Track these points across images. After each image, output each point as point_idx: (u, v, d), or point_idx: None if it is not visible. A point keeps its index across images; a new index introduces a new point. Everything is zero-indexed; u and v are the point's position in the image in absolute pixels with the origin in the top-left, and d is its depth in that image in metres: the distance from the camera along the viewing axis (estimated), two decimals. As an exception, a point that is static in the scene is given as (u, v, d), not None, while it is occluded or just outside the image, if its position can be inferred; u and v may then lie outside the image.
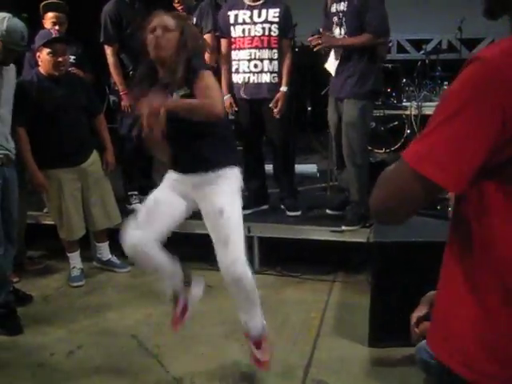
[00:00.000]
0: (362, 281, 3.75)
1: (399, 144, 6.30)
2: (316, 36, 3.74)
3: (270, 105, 3.96)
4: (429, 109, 5.28)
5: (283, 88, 3.98)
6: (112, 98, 4.57)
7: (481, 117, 0.99)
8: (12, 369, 2.99)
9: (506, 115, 0.98)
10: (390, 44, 7.24)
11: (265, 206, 4.37)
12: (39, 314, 3.61)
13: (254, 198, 4.26)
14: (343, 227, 3.91)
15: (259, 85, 3.99)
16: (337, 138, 3.99)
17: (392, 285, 2.94)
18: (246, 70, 3.99)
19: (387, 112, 5.81)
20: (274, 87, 3.99)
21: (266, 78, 3.98)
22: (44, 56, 3.65)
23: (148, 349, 3.15)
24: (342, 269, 4.11)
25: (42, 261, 4.44)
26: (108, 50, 4.33)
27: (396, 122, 6.28)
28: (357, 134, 3.78)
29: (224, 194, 2.62)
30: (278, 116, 3.97)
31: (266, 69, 3.96)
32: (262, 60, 3.95)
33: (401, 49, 8.29)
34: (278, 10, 3.90)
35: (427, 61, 6.43)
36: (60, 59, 3.66)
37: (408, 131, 6.01)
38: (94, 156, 4.02)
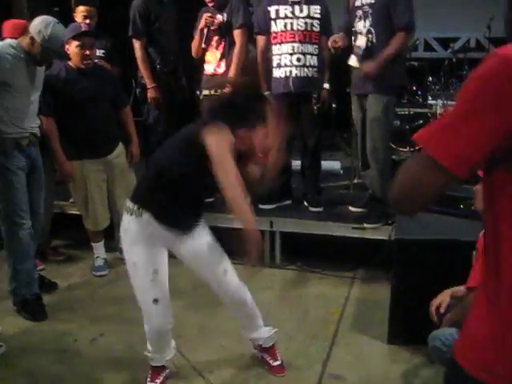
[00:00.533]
0: (382, 278, 3.75)
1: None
2: (361, 73, 3.73)
3: (315, 106, 4.01)
4: (455, 108, 5.22)
5: (327, 85, 4.06)
6: (138, 90, 4.63)
7: (493, 108, 1.01)
8: (37, 353, 3.07)
9: None
10: (417, 42, 7.16)
11: (288, 201, 4.40)
12: (63, 302, 3.70)
13: (278, 193, 4.29)
14: (365, 224, 3.91)
15: (302, 78, 4.01)
16: (362, 136, 3.99)
17: (412, 282, 2.94)
18: (289, 63, 4.00)
19: (412, 110, 5.77)
20: (315, 81, 4.04)
21: (308, 73, 4.01)
22: (72, 49, 3.71)
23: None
24: (363, 266, 4.12)
25: (64, 252, 4.51)
26: (136, 44, 4.38)
27: (421, 121, 6.21)
28: (380, 130, 3.78)
29: (204, 232, 2.60)
30: (319, 111, 4.05)
31: (308, 63, 4.00)
32: (304, 54, 3.98)
33: (428, 47, 8.19)
34: (318, 7, 3.96)
35: (454, 59, 6.36)
36: (87, 52, 3.72)
37: (433, 130, 5.96)
38: (120, 148, 4.08)
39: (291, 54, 3.99)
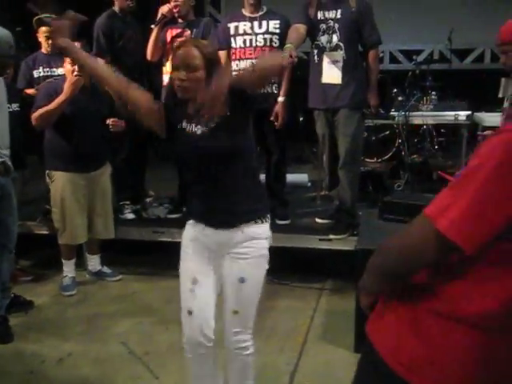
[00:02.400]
0: (350, 288, 3.78)
1: (390, 153, 6.36)
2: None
3: (271, 117, 4.00)
4: (416, 118, 5.32)
5: (281, 98, 4.02)
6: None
7: (506, 186, 1.03)
8: (2, 376, 3.03)
9: None
10: (382, 54, 7.30)
11: None
12: (31, 322, 3.66)
13: None
14: (331, 236, 3.96)
15: (261, 95, 4.00)
16: (331, 153, 4.01)
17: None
18: None
19: (378, 122, 5.86)
20: (275, 97, 4.03)
21: (268, 88, 4.00)
22: (65, 66, 3.80)
23: (137, 356, 3.19)
24: (331, 277, 4.17)
25: (31, 272, 4.45)
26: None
27: (387, 132, 6.34)
28: (355, 145, 3.84)
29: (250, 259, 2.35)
30: (280, 127, 4.02)
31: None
32: None
33: (393, 59, 8.37)
34: (278, 21, 3.97)
35: (417, 71, 6.49)
36: (77, 68, 3.70)
37: (399, 141, 6.06)
38: (106, 167, 4.11)
39: None
